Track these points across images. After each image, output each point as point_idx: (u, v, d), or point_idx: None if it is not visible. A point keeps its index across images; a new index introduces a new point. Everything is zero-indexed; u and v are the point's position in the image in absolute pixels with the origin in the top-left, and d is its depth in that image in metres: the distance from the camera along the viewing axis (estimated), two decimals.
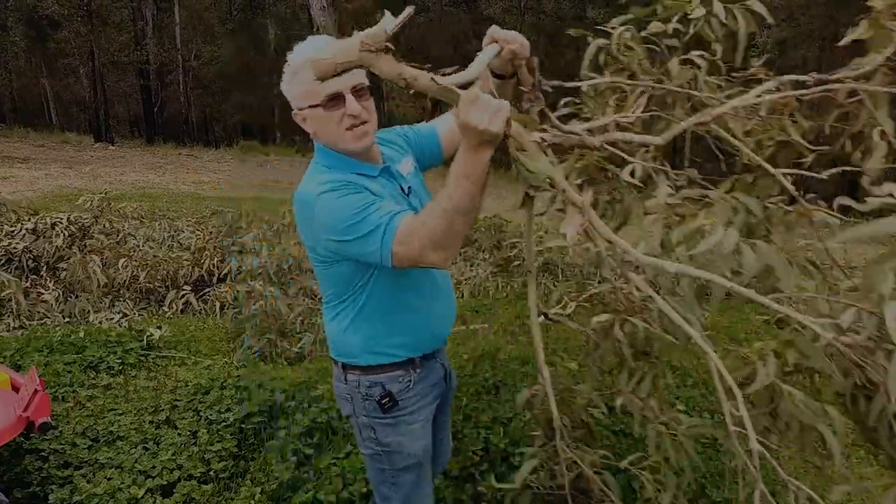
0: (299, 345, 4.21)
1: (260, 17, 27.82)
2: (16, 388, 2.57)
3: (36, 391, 2.43)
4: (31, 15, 22.51)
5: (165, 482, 2.54)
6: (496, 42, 1.41)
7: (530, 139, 1.32)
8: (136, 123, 31.40)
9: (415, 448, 1.74)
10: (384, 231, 1.43)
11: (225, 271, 5.19)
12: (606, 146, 1.43)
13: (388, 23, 1.26)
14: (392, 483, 1.76)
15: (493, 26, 1.45)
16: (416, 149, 1.84)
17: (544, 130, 1.40)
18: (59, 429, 2.87)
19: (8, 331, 4.29)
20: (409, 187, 1.72)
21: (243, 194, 11.86)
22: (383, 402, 1.69)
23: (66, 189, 10.71)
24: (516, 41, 1.42)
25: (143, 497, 2.44)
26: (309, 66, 1.40)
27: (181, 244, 5.82)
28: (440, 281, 1.77)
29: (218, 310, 4.86)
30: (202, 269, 5.23)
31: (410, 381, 1.71)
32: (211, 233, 5.92)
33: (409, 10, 1.25)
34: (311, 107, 1.57)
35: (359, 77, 1.54)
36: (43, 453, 2.68)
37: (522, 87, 1.49)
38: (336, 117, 1.55)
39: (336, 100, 1.53)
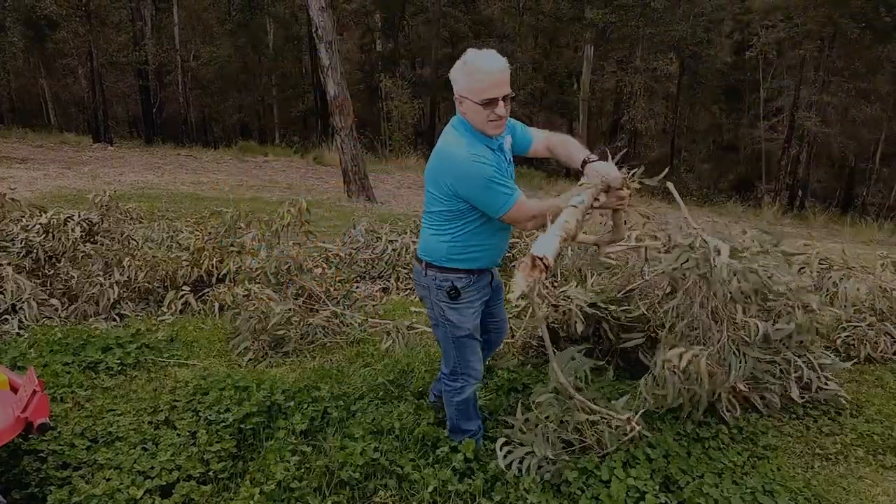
0: (296, 345, 4.21)
1: (259, 17, 27.76)
2: (14, 389, 2.56)
3: (34, 392, 2.42)
4: (29, 15, 22.45)
5: (164, 483, 2.54)
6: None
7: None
8: (134, 124, 31.36)
9: (468, 324, 2.56)
10: (507, 199, 2.30)
11: (224, 272, 5.18)
12: None
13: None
14: (455, 346, 2.60)
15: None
16: (516, 136, 2.61)
17: None
18: (58, 430, 2.87)
19: (8, 331, 4.27)
20: (510, 159, 2.53)
21: (242, 195, 11.86)
22: (451, 292, 2.50)
23: (64, 189, 10.70)
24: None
25: (141, 498, 2.44)
26: (481, 74, 2.24)
27: (180, 244, 5.80)
28: (504, 228, 2.53)
29: (217, 310, 4.85)
30: (201, 269, 5.22)
31: (471, 281, 2.52)
32: (210, 233, 5.90)
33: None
34: (472, 100, 2.28)
35: (508, 88, 2.29)
36: (41, 454, 2.68)
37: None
38: (486, 112, 2.28)
39: (492, 103, 2.26)
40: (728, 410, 3.06)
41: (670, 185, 2.95)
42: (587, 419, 2.65)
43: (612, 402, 2.79)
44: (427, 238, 2.56)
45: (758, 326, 2.98)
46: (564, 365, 2.64)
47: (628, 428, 2.62)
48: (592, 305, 3.61)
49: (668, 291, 3.22)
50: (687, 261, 2.61)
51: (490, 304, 2.75)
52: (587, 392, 2.72)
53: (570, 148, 2.60)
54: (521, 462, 2.64)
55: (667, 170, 2.61)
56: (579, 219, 1.90)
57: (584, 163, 2.47)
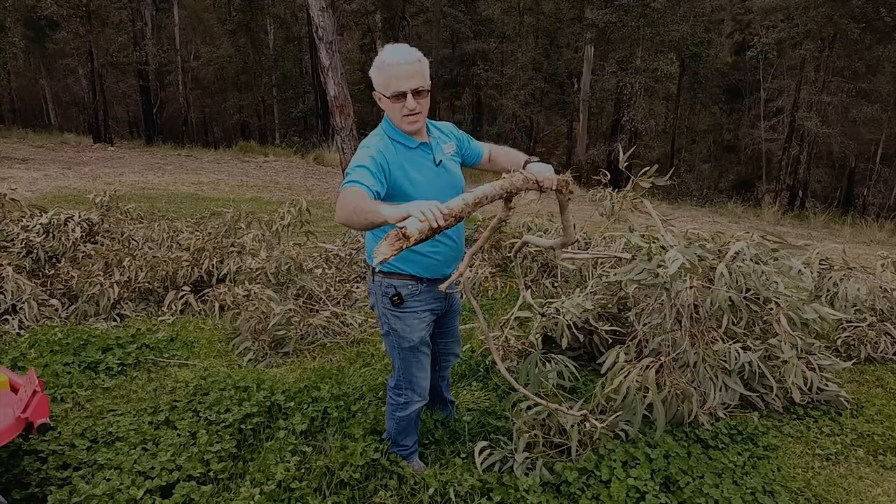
0: (296, 345, 4.21)
1: (259, 17, 27.75)
2: (14, 390, 2.56)
3: (35, 392, 2.43)
4: (29, 15, 22.46)
5: (164, 483, 2.53)
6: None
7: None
8: (135, 124, 31.38)
9: (413, 336, 2.45)
10: (349, 182, 2.09)
11: (224, 272, 5.18)
12: None
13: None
14: (399, 357, 2.51)
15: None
16: (462, 146, 2.56)
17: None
18: (58, 430, 2.87)
19: (8, 331, 4.28)
20: (440, 161, 2.39)
21: (242, 195, 11.86)
22: (393, 298, 2.40)
23: (65, 190, 10.70)
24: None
25: (141, 498, 2.44)
26: (388, 68, 2.15)
27: (180, 245, 5.80)
28: (450, 233, 2.32)
29: (217, 310, 4.85)
30: (201, 269, 5.22)
31: (418, 290, 2.41)
32: (210, 233, 5.90)
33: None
34: (383, 95, 2.23)
35: (419, 81, 2.20)
36: (42, 454, 2.67)
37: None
38: (398, 107, 2.22)
39: (400, 97, 2.20)
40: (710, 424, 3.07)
41: (647, 202, 2.98)
42: (570, 423, 2.68)
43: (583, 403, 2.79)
44: (368, 241, 2.47)
45: (738, 355, 2.98)
46: (525, 371, 2.77)
47: (588, 425, 2.73)
48: (584, 322, 3.68)
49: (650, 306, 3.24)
50: (642, 272, 2.56)
51: (442, 321, 2.65)
52: (555, 399, 2.80)
53: (514, 156, 2.53)
54: (503, 463, 2.70)
55: (672, 170, 2.60)
56: (468, 202, 1.88)
57: (526, 164, 2.37)
